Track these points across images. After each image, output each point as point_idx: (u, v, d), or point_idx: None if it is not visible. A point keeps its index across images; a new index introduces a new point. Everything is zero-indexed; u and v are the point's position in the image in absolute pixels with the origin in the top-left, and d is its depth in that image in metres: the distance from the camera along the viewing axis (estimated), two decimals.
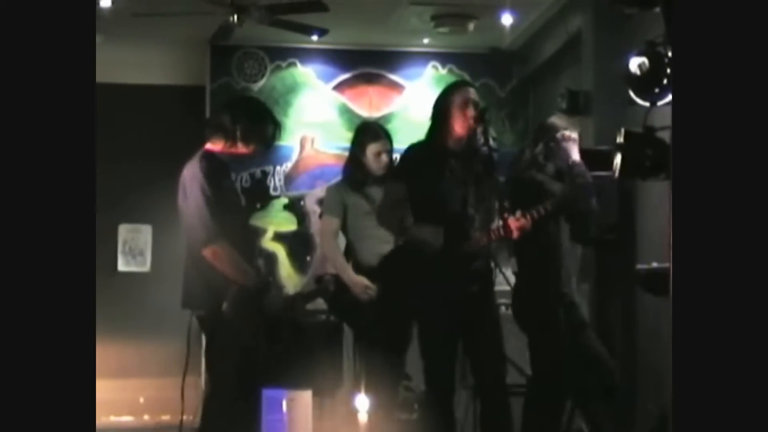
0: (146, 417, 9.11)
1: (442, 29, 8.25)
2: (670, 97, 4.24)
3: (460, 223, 4.75)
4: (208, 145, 4.57)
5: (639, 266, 5.09)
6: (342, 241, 5.70)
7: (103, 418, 8.42)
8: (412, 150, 4.98)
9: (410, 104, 9.09)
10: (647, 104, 4.41)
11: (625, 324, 6.42)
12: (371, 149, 5.53)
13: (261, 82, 9.00)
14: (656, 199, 5.88)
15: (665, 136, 3.79)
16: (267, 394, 4.15)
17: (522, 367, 5.69)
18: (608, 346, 5.36)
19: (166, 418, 8.60)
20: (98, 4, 7.12)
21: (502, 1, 7.61)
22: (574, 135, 5.16)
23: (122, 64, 8.88)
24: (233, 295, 4.32)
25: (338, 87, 9.08)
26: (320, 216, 5.93)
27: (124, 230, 9.69)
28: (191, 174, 4.43)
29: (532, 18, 8.13)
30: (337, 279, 5.49)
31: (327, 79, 9.08)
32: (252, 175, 8.82)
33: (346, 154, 5.84)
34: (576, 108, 7.01)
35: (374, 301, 5.34)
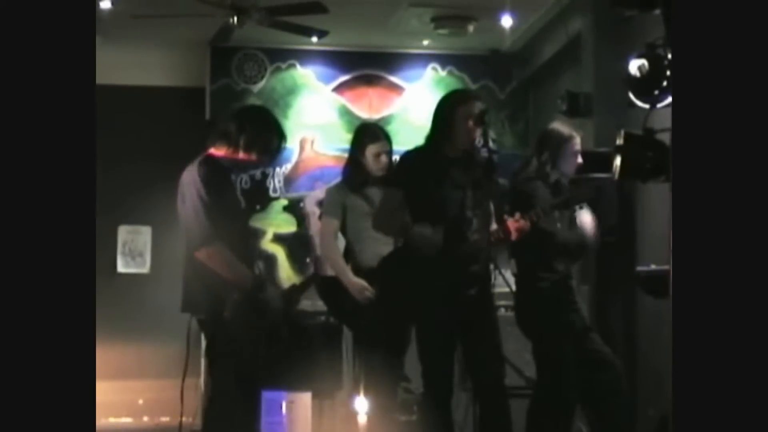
0: (145, 419, 9.11)
1: (442, 31, 8.25)
2: (669, 99, 4.24)
3: (459, 226, 4.74)
4: (211, 150, 4.56)
5: (639, 268, 5.09)
6: (341, 242, 5.70)
7: (102, 420, 8.42)
8: (410, 156, 4.97)
9: (410, 106, 9.09)
10: (647, 106, 4.41)
11: (625, 326, 6.42)
12: (370, 150, 5.53)
13: (261, 84, 9.00)
14: (656, 201, 5.88)
15: (665, 138, 3.79)
16: (266, 396, 4.14)
17: (521, 368, 5.69)
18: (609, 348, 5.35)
19: (165, 419, 8.61)
20: (98, 5, 7.12)
21: (502, 3, 7.61)
22: (578, 142, 5.16)
23: (122, 65, 8.88)
24: (233, 302, 4.31)
25: (338, 88, 9.08)
26: (320, 217, 5.92)
27: (123, 231, 9.69)
28: (189, 179, 4.43)
29: (532, 20, 8.13)
30: (336, 279, 5.48)
31: (327, 80, 9.08)
32: (252, 177, 8.82)
33: (346, 155, 5.84)
34: (576, 110, 7.01)
35: (373, 302, 5.34)
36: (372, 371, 5.27)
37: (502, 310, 5.32)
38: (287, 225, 8.92)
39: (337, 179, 5.89)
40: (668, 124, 3.14)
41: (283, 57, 9.02)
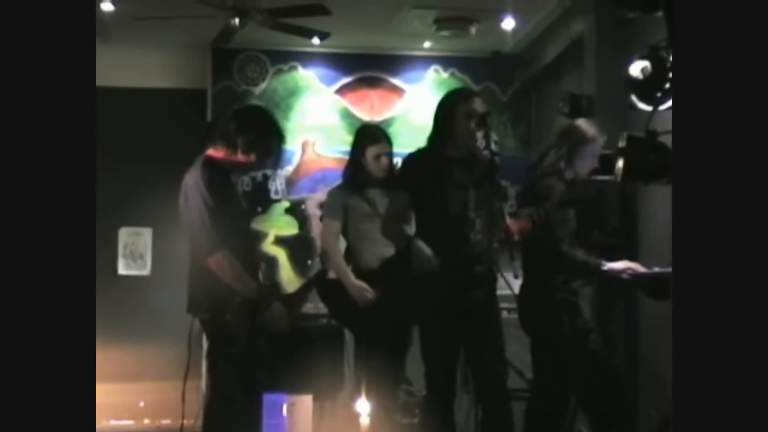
0: (146, 421, 9.10)
1: (444, 33, 8.26)
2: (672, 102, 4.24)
3: (461, 227, 4.74)
4: (210, 151, 4.55)
5: (640, 271, 5.08)
6: (342, 244, 5.69)
7: (103, 422, 8.41)
8: (413, 158, 4.97)
9: (412, 108, 9.09)
10: (649, 108, 4.41)
11: (626, 328, 6.41)
12: (371, 152, 5.53)
13: (262, 86, 9.00)
14: (658, 203, 5.88)
15: (667, 140, 3.78)
16: (268, 398, 4.15)
17: (522, 371, 5.68)
18: (610, 350, 5.34)
19: (166, 421, 8.60)
20: (100, 7, 7.12)
21: (504, 5, 7.61)
22: (600, 144, 5.12)
23: (124, 67, 8.89)
24: (236, 305, 4.31)
25: (340, 90, 9.08)
26: (321, 219, 5.92)
27: (124, 233, 9.68)
28: (192, 182, 4.42)
29: (534, 22, 8.13)
30: (337, 281, 5.47)
31: (328, 82, 9.08)
32: (253, 179, 8.82)
33: (348, 158, 5.84)
34: (578, 112, 7.00)
35: (374, 304, 5.33)
36: (373, 373, 5.26)
37: (504, 312, 5.30)
38: (289, 227, 8.92)
39: (338, 181, 5.89)
40: (671, 126, 3.14)
41: (284, 59, 9.03)
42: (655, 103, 4.36)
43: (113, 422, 8.86)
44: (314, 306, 5.97)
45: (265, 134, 4.61)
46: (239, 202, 4.88)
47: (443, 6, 7.88)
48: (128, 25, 7.55)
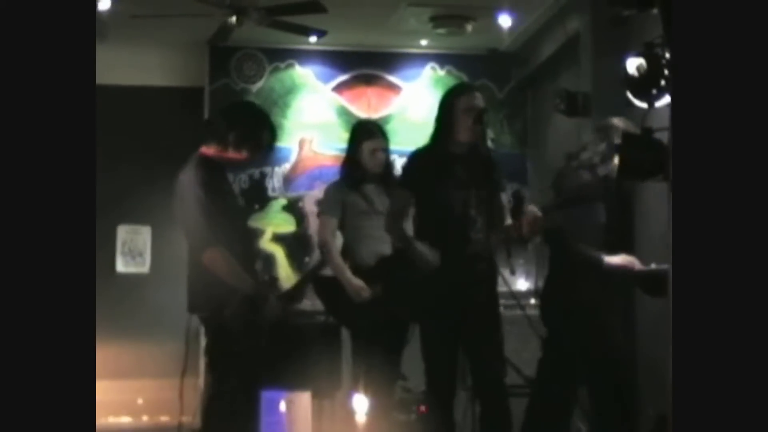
0: (145, 418, 9.11)
1: (440, 30, 8.26)
2: (667, 99, 4.25)
3: (463, 225, 4.74)
4: (203, 149, 4.55)
5: (637, 267, 5.09)
6: (339, 242, 5.70)
7: (101, 419, 8.42)
8: (415, 155, 4.97)
9: (409, 105, 9.10)
10: (645, 105, 4.42)
11: (623, 326, 6.41)
12: (366, 147, 5.53)
13: (259, 84, 9.00)
14: (654, 200, 5.89)
15: (663, 137, 3.80)
16: (266, 395, 4.15)
17: (520, 367, 5.69)
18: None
19: (164, 419, 8.61)
20: (97, 5, 7.12)
21: (501, 3, 7.62)
22: None
23: (121, 65, 8.88)
24: (235, 302, 4.32)
25: (337, 88, 9.09)
26: (318, 215, 5.92)
27: (123, 231, 9.69)
28: (187, 180, 4.42)
29: (531, 19, 8.14)
30: (334, 278, 5.48)
31: (326, 80, 9.09)
32: (250, 176, 8.83)
33: (344, 155, 5.84)
34: (574, 109, 7.01)
35: (372, 302, 5.33)
36: (371, 370, 5.27)
37: (501, 308, 5.30)
38: (286, 225, 8.92)
39: (336, 178, 5.89)
40: (666, 123, 3.15)
41: (281, 57, 9.03)
42: (651, 100, 4.38)
43: (112, 419, 8.87)
44: (311, 303, 5.98)
45: (256, 129, 4.60)
46: (234, 198, 4.87)
47: (439, 3, 7.89)
48: (125, 24, 7.54)
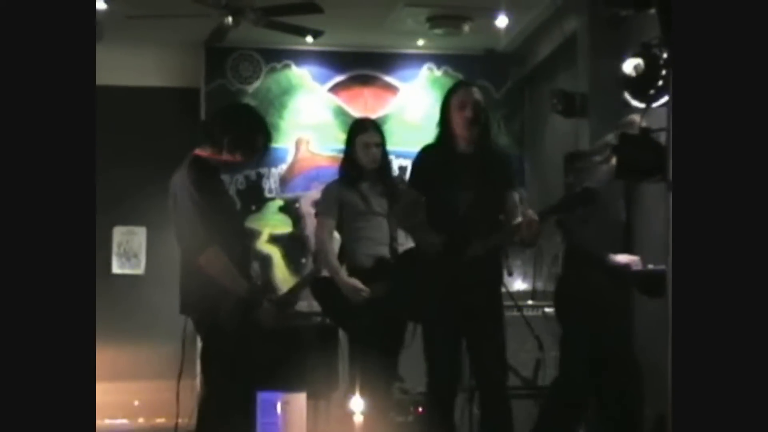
0: (141, 420, 9.11)
1: (437, 31, 8.25)
2: (665, 99, 4.24)
3: (466, 226, 4.71)
4: (198, 150, 4.54)
5: (635, 268, 5.09)
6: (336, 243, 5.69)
7: (98, 421, 8.38)
8: (420, 156, 4.96)
9: (406, 106, 9.10)
10: (643, 106, 4.41)
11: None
12: (359, 141, 5.51)
13: (256, 84, 9.00)
14: (651, 200, 5.88)
15: (661, 137, 3.79)
16: (262, 396, 4.13)
17: (517, 369, 5.69)
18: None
19: (161, 421, 8.60)
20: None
21: (498, 3, 7.61)
22: None
23: (117, 66, 8.87)
24: (229, 304, 4.31)
25: (333, 89, 9.08)
26: (315, 216, 5.91)
27: (118, 232, 9.68)
28: (180, 181, 4.41)
29: (528, 20, 8.13)
30: (330, 280, 5.46)
31: (322, 80, 9.08)
32: (247, 178, 8.82)
33: (342, 156, 5.83)
34: (572, 110, 7.01)
35: (369, 303, 5.32)
36: (367, 372, 5.26)
37: None
38: (283, 226, 8.92)
39: (333, 179, 5.88)
40: (664, 123, 3.14)
41: (278, 57, 9.03)
42: (648, 100, 4.37)
43: (108, 421, 8.86)
44: (308, 304, 5.97)
45: (250, 132, 4.57)
46: (229, 200, 4.86)
47: (436, 4, 7.88)
48: (121, 24, 7.53)
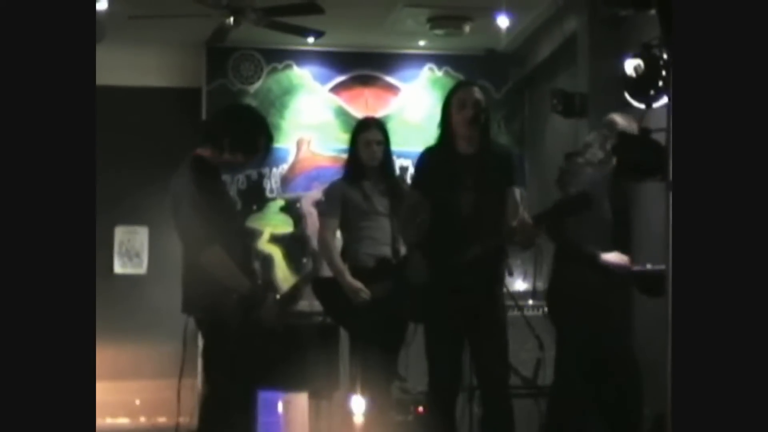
0: (142, 419, 9.11)
1: (437, 31, 8.26)
2: (665, 99, 4.26)
3: (467, 227, 4.71)
4: (199, 150, 4.54)
5: (634, 268, 5.09)
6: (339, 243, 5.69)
7: (99, 420, 8.40)
8: (422, 156, 4.96)
9: (407, 106, 9.11)
10: (643, 106, 4.43)
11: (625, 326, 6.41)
12: (361, 139, 5.51)
13: (257, 84, 9.00)
14: (650, 200, 5.89)
15: (661, 137, 3.80)
16: (263, 396, 4.14)
17: (517, 368, 5.70)
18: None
19: (162, 420, 8.61)
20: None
21: (498, 3, 7.61)
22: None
23: (118, 66, 8.88)
24: (231, 303, 4.31)
25: (334, 89, 9.09)
26: (318, 216, 5.91)
27: (120, 232, 9.69)
28: (181, 182, 4.41)
29: (528, 20, 8.14)
30: (332, 279, 5.47)
31: (323, 81, 9.09)
32: (248, 177, 8.83)
33: (343, 156, 5.83)
34: (572, 110, 7.01)
35: (370, 303, 5.32)
36: (368, 371, 5.26)
37: None
38: (284, 225, 8.93)
39: (334, 178, 5.88)
40: (664, 123, 3.15)
41: (279, 57, 9.03)
42: (649, 100, 4.39)
43: (109, 420, 8.87)
44: (309, 304, 5.98)
45: (251, 133, 4.57)
46: (229, 200, 4.85)
47: (437, 4, 7.89)
48: (122, 24, 7.53)
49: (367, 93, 9.13)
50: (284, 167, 8.94)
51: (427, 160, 4.91)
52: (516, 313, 5.48)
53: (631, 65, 4.60)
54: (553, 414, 5.18)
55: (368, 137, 5.49)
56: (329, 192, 5.69)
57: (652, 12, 3.94)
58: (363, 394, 5.02)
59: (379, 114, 8.88)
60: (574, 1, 7.33)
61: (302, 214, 8.90)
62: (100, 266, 9.01)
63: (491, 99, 8.90)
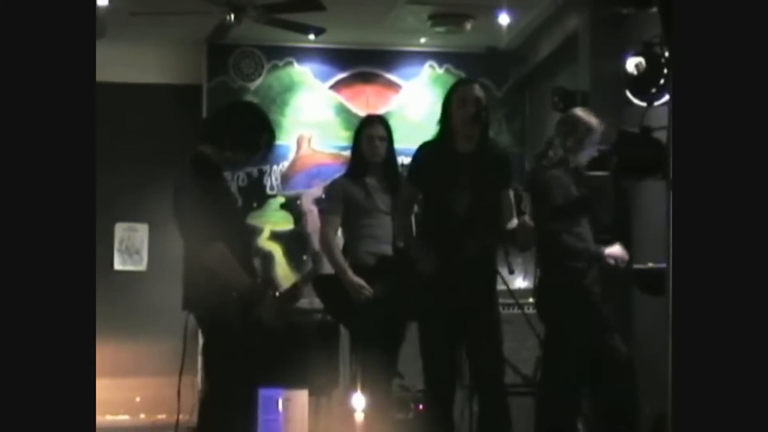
0: (142, 416, 9.11)
1: (439, 29, 8.26)
2: (666, 97, 4.25)
3: (464, 226, 4.71)
4: (200, 148, 4.54)
5: (635, 266, 5.09)
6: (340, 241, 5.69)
7: (99, 417, 8.36)
8: (420, 152, 4.95)
9: (407, 103, 9.11)
10: (644, 104, 4.42)
11: (620, 325, 6.41)
12: (364, 134, 5.51)
13: (258, 81, 9.00)
14: (651, 198, 5.89)
15: (661, 136, 3.80)
16: (263, 393, 4.14)
17: (517, 366, 5.70)
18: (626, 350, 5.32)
19: (162, 417, 8.60)
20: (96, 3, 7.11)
21: (499, 1, 7.61)
22: (600, 130, 5.10)
23: (119, 63, 8.88)
24: (231, 301, 4.31)
25: (335, 86, 9.09)
26: (320, 213, 5.91)
27: (120, 229, 9.68)
28: (182, 179, 4.41)
29: (529, 18, 8.14)
30: (333, 277, 5.47)
31: (324, 78, 9.09)
32: (249, 174, 8.83)
33: (343, 153, 5.85)
34: (572, 108, 7.00)
35: (371, 301, 5.32)
36: (369, 369, 5.27)
37: (499, 308, 5.30)
38: (284, 223, 8.93)
39: (335, 176, 5.88)
40: (665, 122, 3.15)
41: (280, 54, 9.03)
42: (650, 98, 4.39)
43: (109, 417, 8.86)
44: (309, 301, 5.97)
45: (253, 131, 4.55)
46: (231, 197, 4.85)
47: (438, 2, 7.89)
48: (123, 21, 7.53)
49: (368, 90, 9.13)
50: (285, 164, 8.94)
51: (424, 155, 4.90)
52: (516, 311, 5.47)
53: (632, 63, 4.59)
54: (542, 414, 5.15)
55: (371, 133, 5.49)
56: (331, 189, 5.69)
57: (654, 10, 3.94)
58: (363, 391, 5.02)
59: (379, 111, 8.86)
60: (575, 0, 7.33)
61: (303, 212, 8.90)
62: (100, 263, 8.98)
63: (492, 97, 8.91)
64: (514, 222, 4.74)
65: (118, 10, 7.32)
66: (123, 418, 9.07)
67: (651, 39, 4.52)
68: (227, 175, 4.74)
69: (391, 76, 9.16)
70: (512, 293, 5.30)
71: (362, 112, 8.85)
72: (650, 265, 4.96)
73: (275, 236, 8.87)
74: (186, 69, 9.31)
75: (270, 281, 8.30)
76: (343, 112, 9.04)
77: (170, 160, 4.74)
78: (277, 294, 4.64)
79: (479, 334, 4.75)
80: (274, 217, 8.92)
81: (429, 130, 5.10)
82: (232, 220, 4.57)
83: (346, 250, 5.54)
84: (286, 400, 4.11)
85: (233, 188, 8.49)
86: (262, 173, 8.88)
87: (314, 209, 8.21)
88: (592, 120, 5.11)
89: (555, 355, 5.09)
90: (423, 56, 9.19)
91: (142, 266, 9.69)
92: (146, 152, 9.33)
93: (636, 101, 4.96)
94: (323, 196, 5.93)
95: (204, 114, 8.78)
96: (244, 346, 4.36)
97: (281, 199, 8.95)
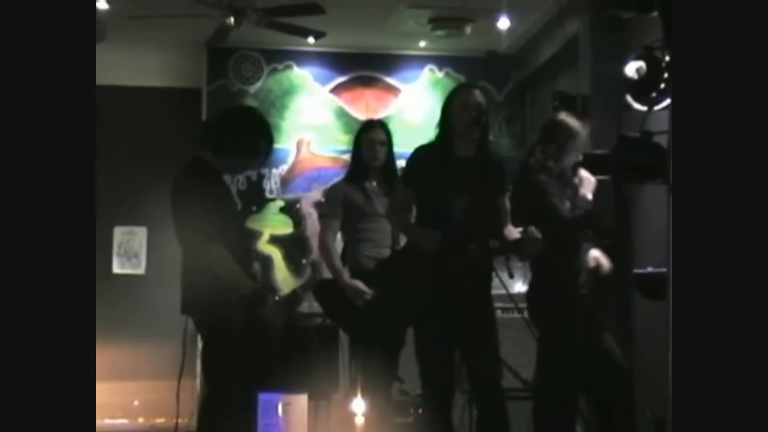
0: (141, 420, 9.11)
1: (439, 32, 8.26)
2: (667, 102, 4.24)
3: (461, 227, 4.71)
4: (200, 152, 4.54)
5: (635, 270, 5.08)
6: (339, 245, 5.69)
7: (98, 421, 8.38)
8: (417, 155, 4.94)
9: (407, 107, 9.11)
10: (644, 108, 4.41)
11: (621, 329, 6.41)
12: (364, 138, 5.54)
13: (257, 85, 9.00)
14: (651, 203, 5.88)
15: (662, 140, 3.79)
16: (263, 397, 4.14)
17: (517, 371, 5.68)
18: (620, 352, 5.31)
19: (161, 421, 8.61)
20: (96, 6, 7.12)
21: (499, 5, 7.61)
22: (584, 138, 5.10)
23: (118, 66, 8.88)
24: (231, 304, 4.31)
25: (335, 90, 9.09)
26: (319, 217, 5.91)
27: (119, 232, 9.68)
28: (182, 184, 4.41)
29: (530, 22, 8.14)
30: (332, 281, 5.47)
31: (324, 81, 9.09)
32: (248, 178, 8.83)
33: (343, 157, 5.86)
34: (572, 112, 7.00)
35: (370, 305, 5.32)
36: (368, 373, 5.26)
37: (499, 312, 5.29)
38: (284, 226, 8.92)
39: (334, 180, 5.88)
40: (665, 126, 3.14)
41: (279, 58, 9.03)
42: (650, 103, 4.37)
43: (108, 421, 8.86)
44: (309, 305, 5.97)
45: (252, 136, 4.55)
46: (231, 201, 4.85)
47: (438, 5, 7.88)
48: (123, 24, 7.54)
49: (368, 94, 9.13)
50: (284, 168, 8.94)
51: (421, 158, 4.90)
52: (516, 315, 5.47)
53: (632, 67, 4.57)
54: (539, 419, 5.14)
55: (372, 137, 5.51)
56: (330, 193, 5.70)
57: (654, 14, 3.93)
58: (363, 395, 5.02)
59: (379, 115, 8.88)
60: (576, 3, 7.33)
61: (302, 215, 8.89)
62: (99, 267, 8.95)
63: (492, 101, 8.92)
64: (511, 229, 4.75)
65: (118, 14, 7.33)
66: (122, 421, 9.07)
67: (652, 43, 4.50)
68: (226, 178, 4.74)
69: (391, 80, 9.16)
70: (512, 297, 5.29)
71: (362, 116, 8.86)
72: (650, 269, 4.95)
73: (275, 240, 8.87)
74: (186, 72, 9.32)
75: (269, 285, 8.29)
76: (342, 115, 9.04)
77: (170, 163, 4.73)
78: (276, 299, 4.64)
79: (475, 336, 4.75)
80: (273, 220, 8.92)
81: (429, 134, 5.09)
82: (232, 224, 4.56)
83: (345, 254, 5.55)
84: (285, 405, 4.11)
85: (233, 192, 8.48)
86: (261, 177, 8.88)
87: (314, 213, 8.20)
88: (574, 124, 5.09)
89: (548, 359, 5.08)
90: (423, 60, 9.19)
91: (140, 270, 9.68)
92: (146, 155, 9.33)
93: (636, 105, 4.94)
94: (323, 200, 5.92)
95: (204, 117, 8.78)
96: (243, 350, 4.36)
97: (281, 203, 8.94)
